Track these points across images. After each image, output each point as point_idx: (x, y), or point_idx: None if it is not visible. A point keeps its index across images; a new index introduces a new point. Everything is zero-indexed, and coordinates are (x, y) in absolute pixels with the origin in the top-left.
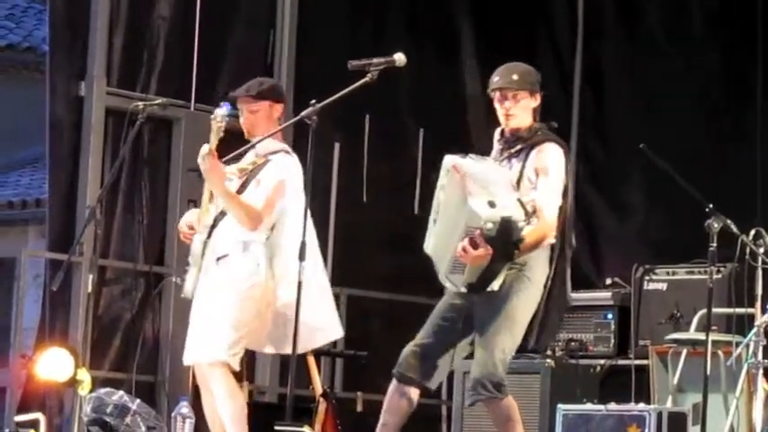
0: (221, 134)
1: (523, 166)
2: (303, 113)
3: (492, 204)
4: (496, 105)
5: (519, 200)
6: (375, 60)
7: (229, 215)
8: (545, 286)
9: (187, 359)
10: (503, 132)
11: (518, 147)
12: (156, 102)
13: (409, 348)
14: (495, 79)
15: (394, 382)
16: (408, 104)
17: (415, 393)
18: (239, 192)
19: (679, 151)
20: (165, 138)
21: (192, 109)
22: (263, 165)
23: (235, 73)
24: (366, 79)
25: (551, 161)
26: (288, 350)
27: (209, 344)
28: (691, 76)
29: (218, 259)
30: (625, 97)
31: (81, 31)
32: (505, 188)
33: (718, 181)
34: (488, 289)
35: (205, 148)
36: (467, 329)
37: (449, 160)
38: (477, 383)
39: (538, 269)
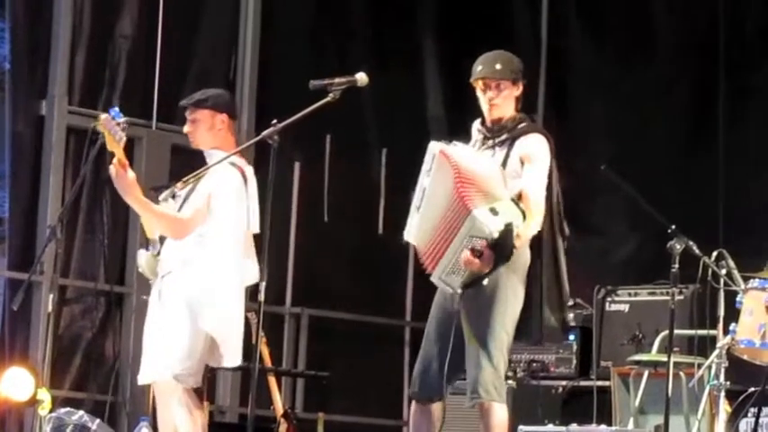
0: (119, 140)
1: (507, 155)
2: (264, 133)
3: (494, 212)
4: (479, 95)
5: (513, 200)
6: (337, 80)
7: None
8: (531, 276)
9: (142, 378)
10: (483, 122)
11: (503, 136)
12: None
13: (417, 368)
14: (479, 69)
15: (413, 404)
16: (370, 124)
17: (436, 407)
18: (183, 203)
19: (644, 168)
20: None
21: (154, 128)
22: (204, 175)
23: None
24: (327, 99)
25: (538, 151)
26: (224, 364)
27: (164, 363)
28: (656, 93)
29: (163, 276)
30: (589, 115)
31: (42, 50)
32: (499, 184)
33: (682, 198)
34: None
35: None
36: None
37: (435, 146)
38: (477, 384)
39: (519, 260)
